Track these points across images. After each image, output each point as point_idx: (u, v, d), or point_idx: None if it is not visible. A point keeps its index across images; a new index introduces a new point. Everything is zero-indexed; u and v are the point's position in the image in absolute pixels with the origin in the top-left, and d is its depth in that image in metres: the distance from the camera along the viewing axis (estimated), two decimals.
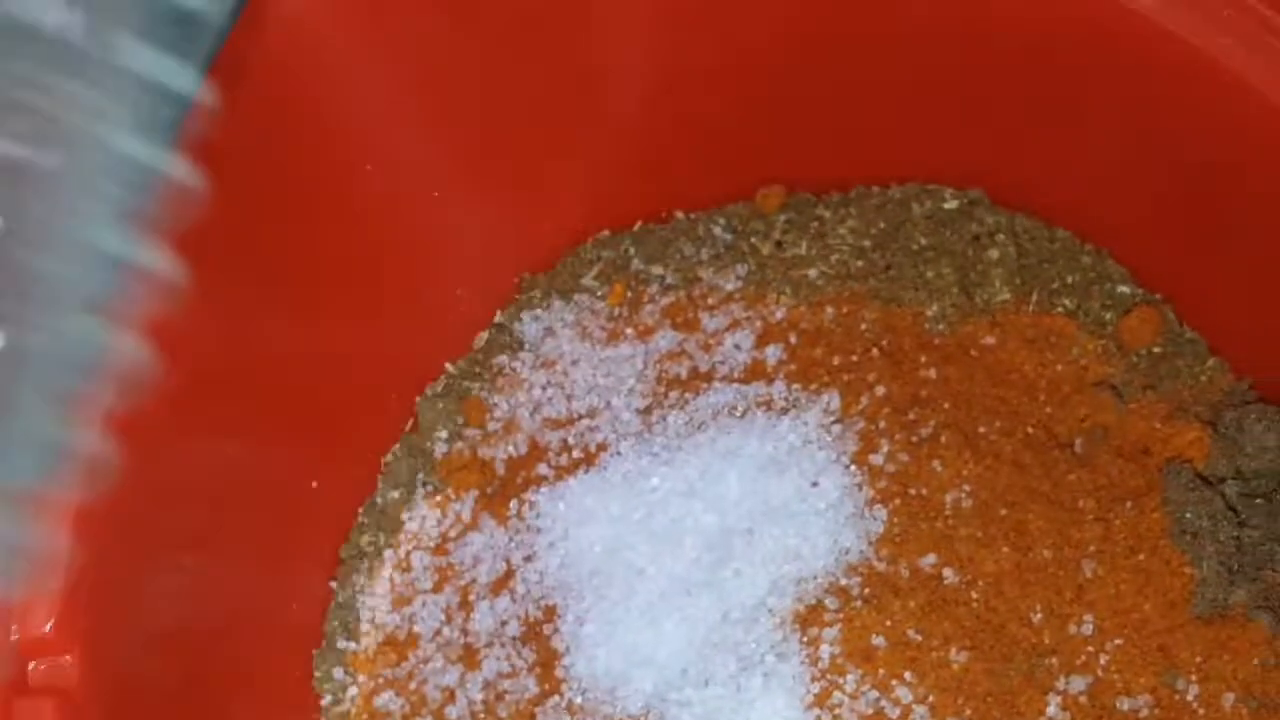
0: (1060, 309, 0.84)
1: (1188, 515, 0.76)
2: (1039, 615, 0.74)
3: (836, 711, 0.70)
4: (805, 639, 0.72)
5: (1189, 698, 0.73)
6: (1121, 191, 0.81)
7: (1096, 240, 0.86)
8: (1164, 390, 0.82)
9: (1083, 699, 0.73)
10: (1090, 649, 0.74)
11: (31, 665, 0.66)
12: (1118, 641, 0.74)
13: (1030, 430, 0.80)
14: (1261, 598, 0.74)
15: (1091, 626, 0.74)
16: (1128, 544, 0.76)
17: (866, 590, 0.72)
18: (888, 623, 0.71)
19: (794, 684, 0.71)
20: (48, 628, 0.66)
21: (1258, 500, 0.76)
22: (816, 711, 0.70)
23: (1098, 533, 0.76)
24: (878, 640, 0.71)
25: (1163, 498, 0.77)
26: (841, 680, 0.71)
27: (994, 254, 0.85)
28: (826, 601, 0.72)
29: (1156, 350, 0.83)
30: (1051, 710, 0.72)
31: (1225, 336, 0.82)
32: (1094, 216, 0.84)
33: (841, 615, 0.71)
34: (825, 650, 0.71)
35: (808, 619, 0.72)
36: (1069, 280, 0.85)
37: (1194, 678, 0.74)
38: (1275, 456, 0.77)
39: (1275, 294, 0.77)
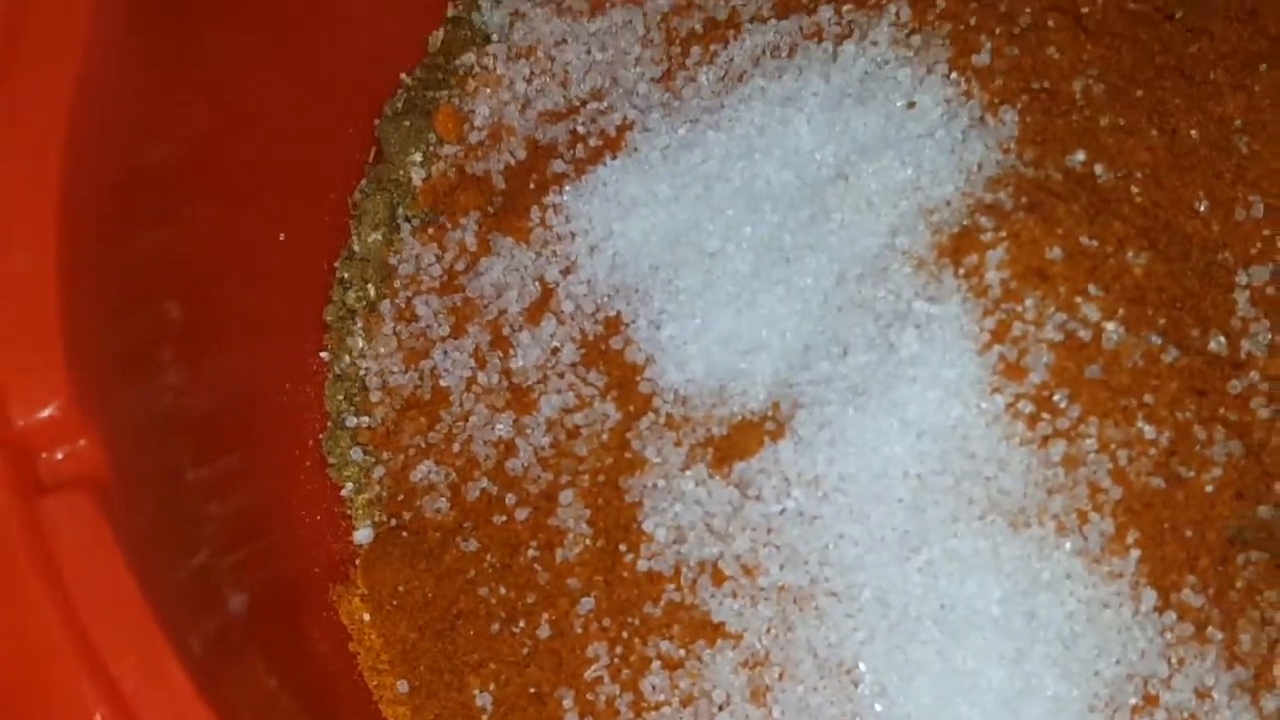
0: None
1: None
2: (1203, 203, 0.63)
3: (1021, 344, 0.58)
4: (961, 270, 0.59)
5: None
6: None
7: None
8: None
9: (1270, 290, 0.62)
10: (1265, 232, 0.63)
11: (44, 456, 0.50)
12: None
13: (1133, 6, 0.68)
14: None
15: (1261, 206, 0.63)
16: (1274, 109, 0.65)
17: (1024, 198, 0.60)
18: (1058, 230, 0.59)
19: (960, 325, 0.59)
20: (48, 411, 0.50)
21: None
22: (998, 349, 0.58)
23: (1241, 102, 0.65)
24: (1053, 252, 0.59)
25: None
26: (1019, 307, 0.58)
27: None
28: (979, 220, 0.60)
29: None
30: (1241, 308, 0.62)
31: None
32: None
33: (1004, 233, 0.59)
34: (992, 276, 0.59)
35: (958, 248, 0.60)
36: None
37: None
38: None
39: None
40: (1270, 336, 0.61)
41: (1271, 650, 0.59)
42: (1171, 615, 0.58)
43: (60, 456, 0.51)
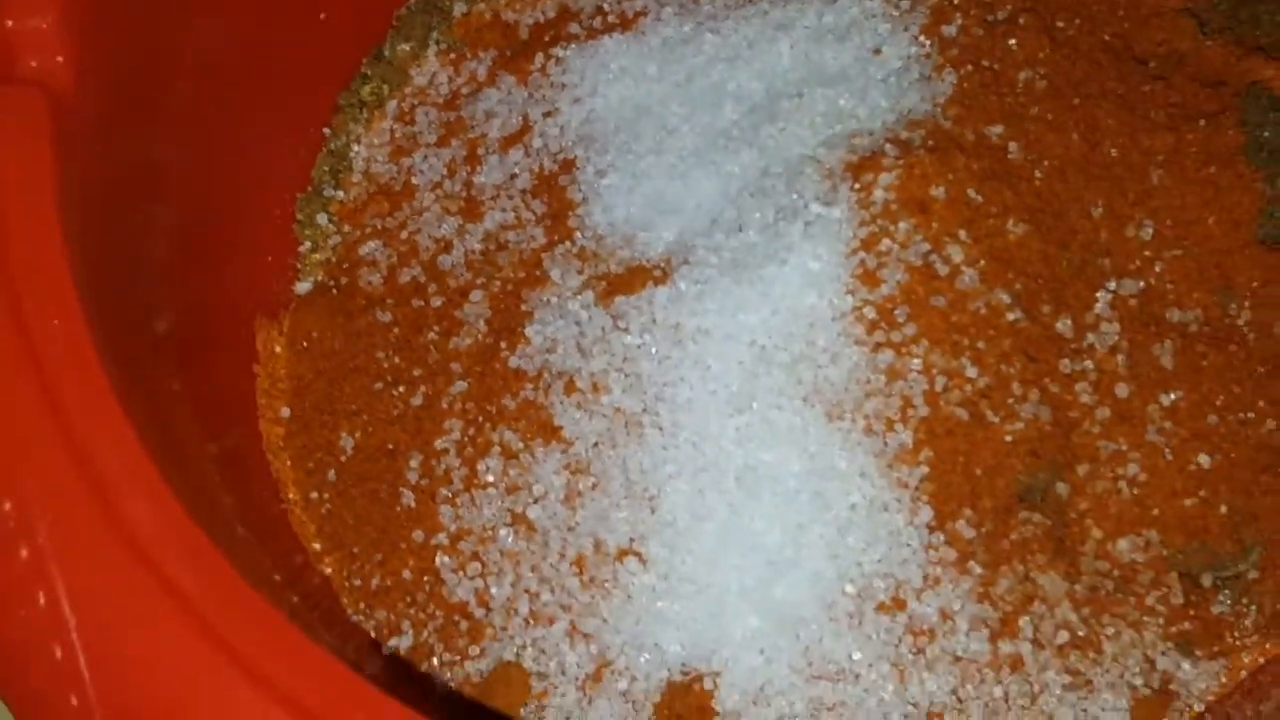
0: None
1: (1265, 134, 0.71)
2: (1099, 210, 0.69)
3: (882, 259, 0.65)
4: (857, 185, 0.66)
5: (1239, 321, 0.69)
6: None
7: None
8: (1241, 33, 0.77)
9: (1132, 302, 0.68)
10: (1146, 254, 0.69)
11: (22, 60, 0.58)
12: (1175, 252, 0.70)
13: (1108, 38, 0.74)
14: None
15: (1151, 231, 0.69)
16: (1199, 158, 0.71)
17: (930, 142, 0.67)
18: (949, 175, 0.66)
19: (840, 229, 0.66)
20: (40, 22, 0.59)
21: None
22: (861, 256, 0.65)
23: (1168, 142, 0.71)
24: (937, 191, 0.65)
25: (1240, 118, 0.72)
26: (893, 227, 0.65)
27: None
28: (886, 149, 0.66)
29: None
30: (1100, 308, 0.68)
31: None
32: None
33: (901, 162, 0.66)
34: (879, 195, 0.66)
35: (862, 167, 0.67)
36: None
37: (1248, 303, 0.69)
38: None
39: None
40: (1117, 339, 0.67)
41: (1023, 606, 0.64)
42: (940, 536, 0.64)
43: (34, 64, 0.57)
